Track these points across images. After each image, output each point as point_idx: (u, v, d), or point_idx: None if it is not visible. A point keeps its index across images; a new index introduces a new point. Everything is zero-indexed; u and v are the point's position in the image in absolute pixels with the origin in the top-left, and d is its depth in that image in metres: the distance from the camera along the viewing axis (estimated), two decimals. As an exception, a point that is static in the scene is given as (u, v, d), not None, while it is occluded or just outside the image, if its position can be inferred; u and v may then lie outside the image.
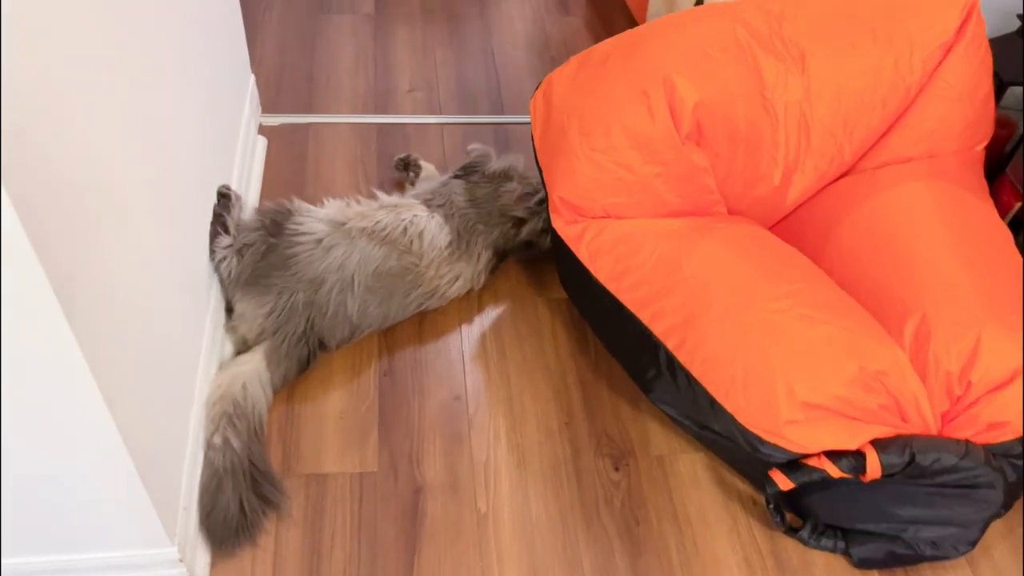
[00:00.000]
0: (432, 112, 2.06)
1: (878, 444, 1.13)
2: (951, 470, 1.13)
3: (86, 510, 1.01)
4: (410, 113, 2.04)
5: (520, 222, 1.59)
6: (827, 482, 1.16)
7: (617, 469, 1.36)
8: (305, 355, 1.41)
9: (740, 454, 1.21)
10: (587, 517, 1.29)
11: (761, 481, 1.22)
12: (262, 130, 1.92)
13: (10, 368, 0.82)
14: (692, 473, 1.36)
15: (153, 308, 1.08)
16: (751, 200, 1.47)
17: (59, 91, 0.82)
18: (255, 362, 1.37)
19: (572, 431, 1.40)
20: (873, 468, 1.12)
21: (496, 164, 1.66)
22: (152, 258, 1.09)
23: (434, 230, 1.52)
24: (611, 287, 1.33)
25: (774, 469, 1.18)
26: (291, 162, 1.87)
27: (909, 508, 1.18)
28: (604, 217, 1.39)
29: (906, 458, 1.12)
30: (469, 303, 1.60)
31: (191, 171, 1.32)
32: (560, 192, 1.39)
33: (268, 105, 1.99)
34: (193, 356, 1.27)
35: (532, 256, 1.66)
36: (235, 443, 1.25)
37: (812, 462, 1.15)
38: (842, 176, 1.51)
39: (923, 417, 1.17)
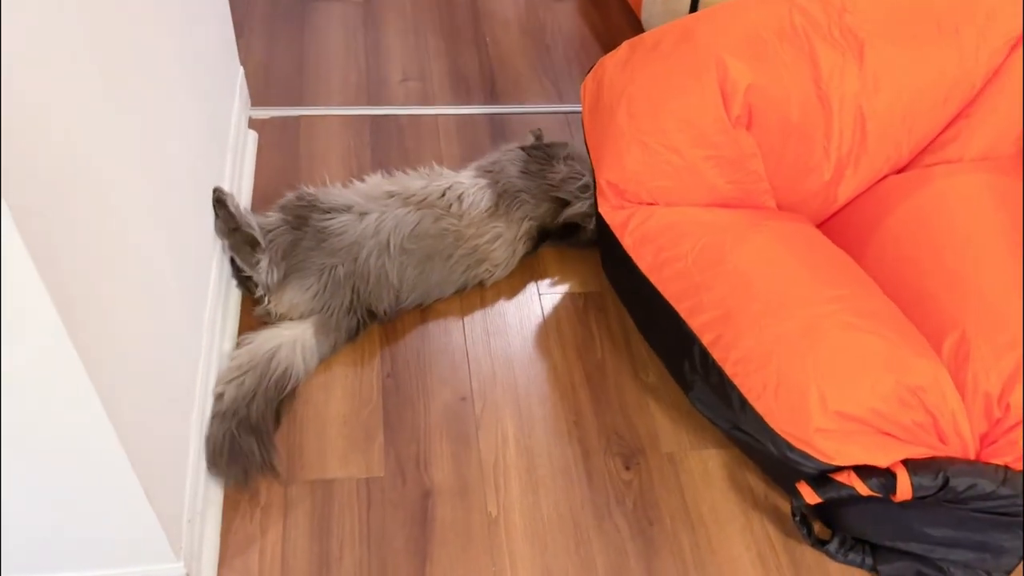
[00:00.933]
0: (426, 103, 2.01)
1: (911, 465, 1.10)
2: (988, 497, 1.08)
3: (88, 526, 0.98)
4: (403, 104, 2.00)
5: (564, 203, 1.58)
6: (858, 496, 1.12)
7: (628, 468, 1.33)
8: (354, 325, 1.43)
9: (771, 459, 1.19)
10: (599, 518, 1.27)
11: (790, 489, 1.19)
12: (252, 124, 1.87)
13: (9, 382, 0.78)
14: (703, 470, 1.34)
15: (152, 314, 1.05)
16: (801, 195, 1.44)
17: (48, 91, 0.77)
18: (301, 330, 1.38)
19: (581, 430, 1.38)
20: (903, 490, 1.08)
21: (557, 145, 1.67)
22: (149, 260, 1.05)
23: (476, 194, 1.53)
24: (652, 277, 1.31)
25: (802, 482, 1.15)
26: (283, 156, 1.83)
27: (942, 529, 1.14)
28: (650, 204, 1.37)
29: (939, 482, 1.08)
30: (471, 301, 1.57)
31: (183, 169, 1.28)
32: (607, 176, 1.37)
33: (258, 98, 1.94)
34: (192, 361, 1.23)
35: (573, 244, 1.63)
36: (226, 396, 1.27)
37: (841, 478, 1.12)
38: (893, 173, 1.46)
39: (961, 438, 1.12)
